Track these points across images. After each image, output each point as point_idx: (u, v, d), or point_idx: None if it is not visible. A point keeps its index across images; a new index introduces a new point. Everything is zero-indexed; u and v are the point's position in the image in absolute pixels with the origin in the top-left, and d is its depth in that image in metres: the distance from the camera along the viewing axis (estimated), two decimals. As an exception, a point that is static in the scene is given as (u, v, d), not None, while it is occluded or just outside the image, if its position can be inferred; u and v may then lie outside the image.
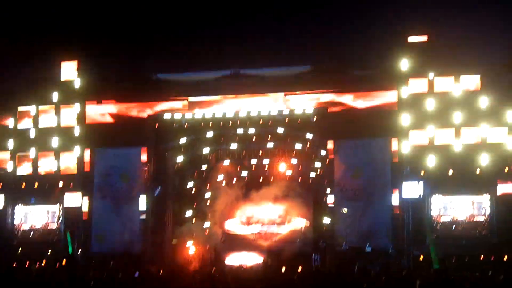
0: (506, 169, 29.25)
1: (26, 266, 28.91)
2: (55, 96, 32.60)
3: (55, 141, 32.39)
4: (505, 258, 28.05)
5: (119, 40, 34.70)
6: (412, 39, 30.35)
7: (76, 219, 31.90)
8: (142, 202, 31.84)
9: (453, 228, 29.44)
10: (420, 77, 30.12)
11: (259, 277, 22.93)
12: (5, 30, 34.10)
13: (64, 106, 32.69)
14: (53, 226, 32.43)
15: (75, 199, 32.02)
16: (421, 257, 28.00)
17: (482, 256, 28.14)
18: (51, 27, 33.43)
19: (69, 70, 32.59)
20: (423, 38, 30.30)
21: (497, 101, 29.44)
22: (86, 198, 32.02)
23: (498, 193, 28.98)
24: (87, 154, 32.39)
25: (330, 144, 31.13)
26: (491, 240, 28.91)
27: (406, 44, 30.37)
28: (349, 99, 31.07)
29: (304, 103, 31.78)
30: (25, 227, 32.64)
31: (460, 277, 21.81)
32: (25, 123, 32.97)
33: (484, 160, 29.19)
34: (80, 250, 31.40)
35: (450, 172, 29.56)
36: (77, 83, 32.57)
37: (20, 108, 33.07)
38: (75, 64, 32.54)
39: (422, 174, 29.77)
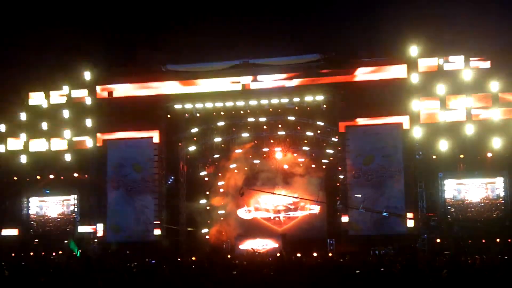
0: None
1: (43, 255, 29.02)
2: (66, 86, 32.83)
3: (67, 133, 32.63)
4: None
5: (128, 32, 34.74)
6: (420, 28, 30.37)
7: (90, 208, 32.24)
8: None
9: (467, 211, 29.56)
10: (430, 62, 30.19)
11: (272, 262, 22.87)
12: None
13: (75, 98, 32.89)
14: (69, 216, 32.73)
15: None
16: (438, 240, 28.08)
17: (498, 238, 28.13)
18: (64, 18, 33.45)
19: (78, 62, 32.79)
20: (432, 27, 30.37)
21: (507, 84, 29.48)
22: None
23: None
24: (99, 143, 32.56)
25: (341, 131, 31.22)
26: (505, 222, 29.00)
27: (415, 31, 30.36)
28: (359, 86, 31.01)
29: (313, 91, 31.76)
30: (41, 217, 32.89)
31: (475, 260, 21.63)
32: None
33: (496, 143, 29.25)
34: (96, 240, 31.66)
35: (462, 156, 29.63)
36: (88, 75, 32.73)
37: (31, 95, 33.23)
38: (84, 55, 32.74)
39: (434, 158, 29.85)
